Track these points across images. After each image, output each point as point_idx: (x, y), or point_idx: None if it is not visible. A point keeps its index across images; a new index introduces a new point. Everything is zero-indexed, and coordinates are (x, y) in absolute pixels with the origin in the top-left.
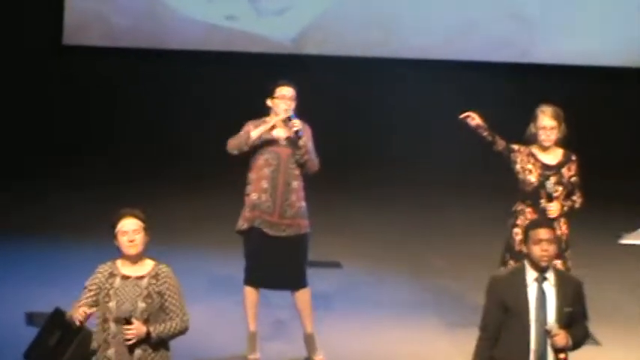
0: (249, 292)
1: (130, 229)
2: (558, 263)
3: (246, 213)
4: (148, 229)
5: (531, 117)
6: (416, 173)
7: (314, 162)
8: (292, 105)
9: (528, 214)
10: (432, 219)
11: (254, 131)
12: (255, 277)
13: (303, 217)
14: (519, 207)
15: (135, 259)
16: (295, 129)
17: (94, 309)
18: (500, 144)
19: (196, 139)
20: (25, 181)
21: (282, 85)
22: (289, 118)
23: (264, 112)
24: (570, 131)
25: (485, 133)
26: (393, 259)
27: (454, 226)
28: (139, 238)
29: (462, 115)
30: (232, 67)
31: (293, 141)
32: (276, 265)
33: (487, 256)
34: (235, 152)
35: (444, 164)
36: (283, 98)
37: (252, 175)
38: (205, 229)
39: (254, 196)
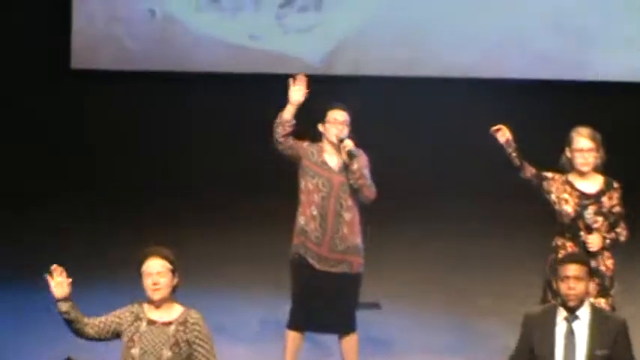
0: (293, 337)
1: (154, 271)
2: (602, 302)
3: (294, 238)
4: (176, 271)
5: (565, 141)
6: (454, 202)
7: (370, 188)
8: (345, 130)
9: (570, 249)
10: (474, 253)
11: (285, 111)
12: (301, 320)
13: (356, 254)
14: (559, 241)
15: (160, 304)
16: (348, 149)
17: (68, 281)
18: (529, 171)
19: (220, 170)
20: (33, 210)
21: (335, 108)
22: (340, 141)
23: (313, 137)
24: (619, 154)
25: (513, 154)
26: (435, 299)
27: (498, 261)
28: (165, 282)
29: (494, 128)
30: (256, 91)
31: (346, 167)
32: (324, 305)
33: (533, 294)
34: (278, 138)
35: (483, 192)
36: (335, 122)
37: (302, 197)
38: (232, 266)
39: (302, 220)
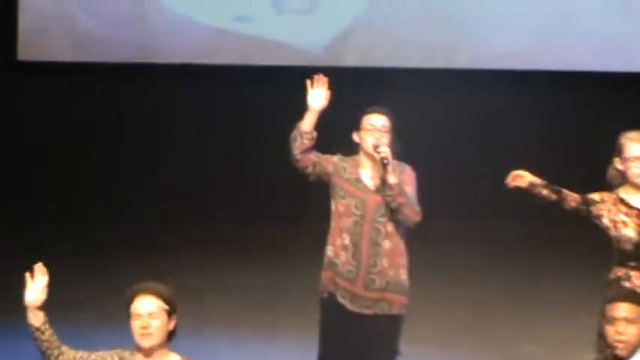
0: None
1: (144, 312)
2: None
3: (323, 273)
4: (173, 313)
5: (614, 150)
6: (488, 225)
7: (413, 208)
8: (385, 137)
9: (636, 280)
10: (517, 287)
11: (304, 119)
12: None
13: (398, 292)
14: (619, 272)
15: (151, 352)
16: (382, 155)
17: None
18: (572, 199)
19: (201, 180)
20: None
21: (372, 112)
22: (376, 147)
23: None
24: None
25: (544, 192)
26: (468, 345)
27: (543, 298)
28: (157, 326)
29: (509, 179)
30: (245, 85)
31: (384, 182)
32: (357, 354)
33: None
34: (296, 154)
35: (531, 213)
36: (372, 130)
37: (332, 223)
38: (237, 305)
39: (330, 251)
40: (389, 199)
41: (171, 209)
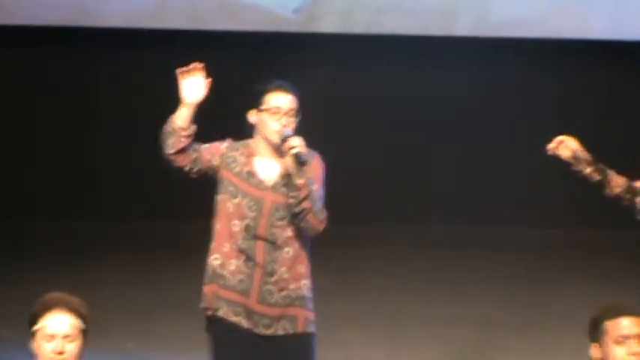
0: None
1: (59, 333)
2: None
3: (204, 287)
4: (86, 332)
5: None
6: (494, 230)
7: (317, 216)
8: (292, 122)
9: None
10: (522, 304)
11: (178, 113)
12: None
13: (302, 306)
14: None
15: None
16: (296, 151)
17: None
18: (616, 184)
19: (150, 171)
20: None
21: (276, 89)
22: (284, 140)
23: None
24: None
25: (587, 170)
26: None
27: (560, 317)
28: (73, 350)
29: (552, 145)
30: (202, 55)
31: (288, 180)
32: None
33: None
34: (169, 153)
35: (557, 213)
36: (277, 112)
37: (217, 226)
38: (169, 319)
39: (216, 259)
40: (292, 201)
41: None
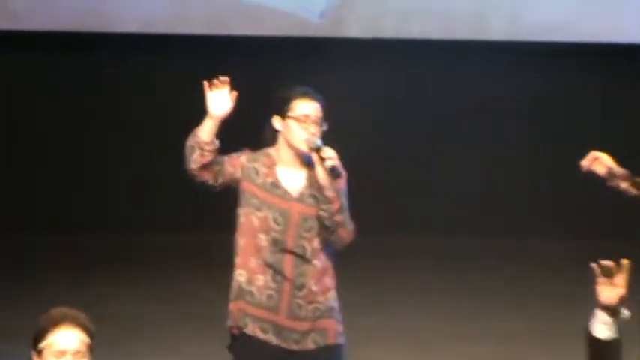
0: None
1: (69, 348)
2: None
3: (230, 304)
4: (93, 348)
5: None
6: (518, 240)
7: (346, 228)
8: (318, 130)
9: None
10: (547, 319)
11: (203, 127)
12: None
13: (332, 317)
14: None
15: None
16: (331, 164)
17: None
18: None
19: (165, 182)
20: None
21: (303, 96)
22: (317, 148)
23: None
24: None
25: (623, 185)
26: None
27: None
28: None
29: (585, 162)
30: (222, 61)
31: (317, 192)
32: None
33: None
34: (193, 168)
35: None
36: (305, 120)
37: (241, 241)
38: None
39: (241, 275)
40: (324, 214)
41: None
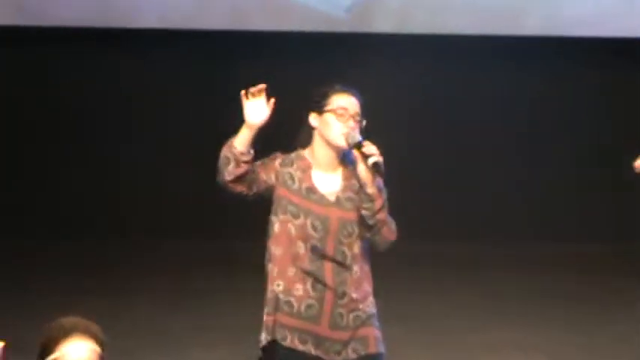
0: None
1: (81, 359)
2: None
3: (265, 317)
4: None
5: None
6: (563, 246)
7: (391, 227)
8: (357, 126)
9: None
10: (590, 332)
11: (239, 136)
12: None
13: (371, 325)
14: None
15: None
16: (374, 160)
17: None
18: None
19: (186, 187)
20: None
21: (342, 91)
22: (358, 144)
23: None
24: None
25: None
26: None
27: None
28: None
29: (638, 163)
30: (245, 57)
31: (358, 189)
32: None
33: None
34: (226, 180)
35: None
36: (343, 114)
37: (276, 251)
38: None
39: (278, 285)
40: (366, 213)
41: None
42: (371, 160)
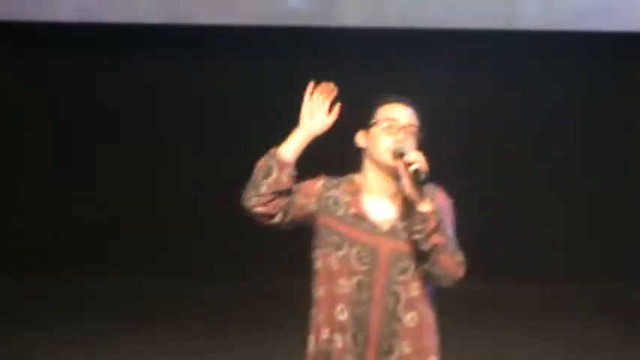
0: None
1: None
2: None
3: None
4: None
5: None
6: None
7: (454, 257)
8: (410, 141)
9: None
10: None
11: (290, 142)
12: None
13: None
14: None
15: None
16: (414, 167)
17: None
18: None
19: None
20: None
21: (388, 102)
22: (400, 155)
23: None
24: None
25: None
26: None
27: None
28: None
29: None
30: (202, 54)
31: (408, 212)
32: None
33: None
34: (262, 194)
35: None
36: (392, 127)
37: (317, 292)
38: None
39: (321, 332)
40: (417, 237)
41: None
42: (411, 168)
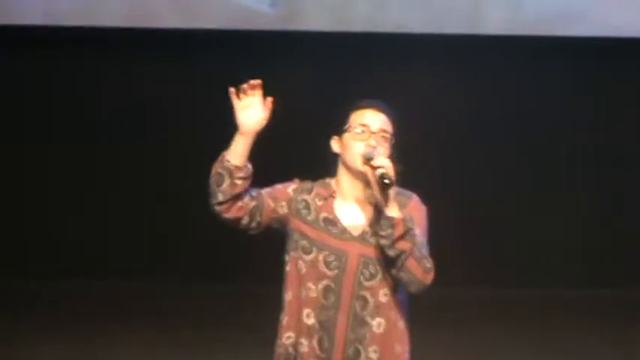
0: None
1: None
2: None
3: None
4: None
5: None
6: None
7: (421, 263)
8: (383, 147)
9: None
10: None
11: (233, 148)
12: None
13: None
14: None
15: None
16: (381, 172)
17: None
18: None
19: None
20: None
21: (362, 107)
22: (368, 160)
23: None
24: None
25: None
26: None
27: None
28: None
29: None
30: (165, 58)
31: (381, 221)
32: None
33: None
34: (223, 201)
35: None
36: (365, 132)
37: (286, 295)
38: None
39: (288, 338)
40: (384, 242)
41: None
42: (377, 173)
